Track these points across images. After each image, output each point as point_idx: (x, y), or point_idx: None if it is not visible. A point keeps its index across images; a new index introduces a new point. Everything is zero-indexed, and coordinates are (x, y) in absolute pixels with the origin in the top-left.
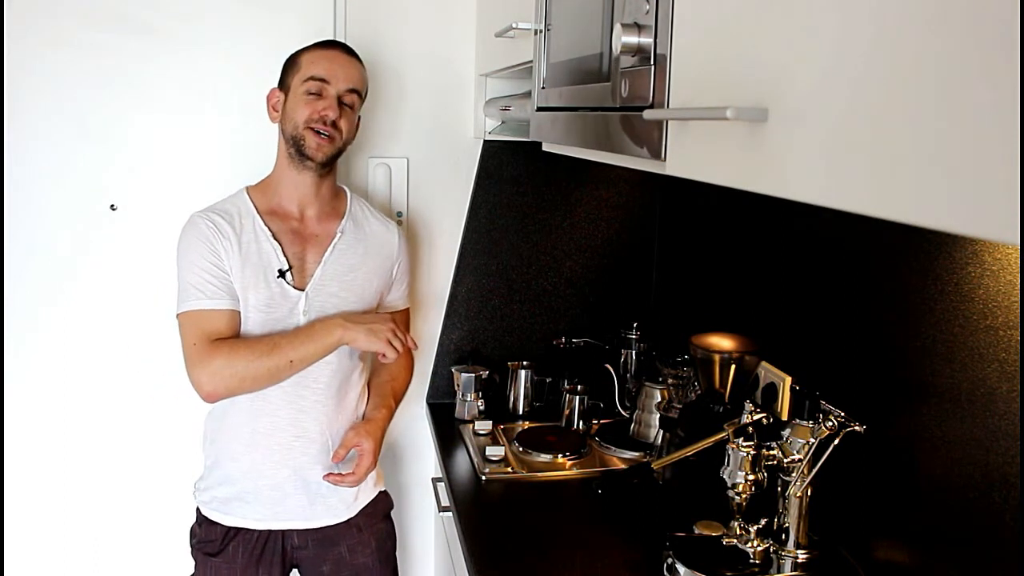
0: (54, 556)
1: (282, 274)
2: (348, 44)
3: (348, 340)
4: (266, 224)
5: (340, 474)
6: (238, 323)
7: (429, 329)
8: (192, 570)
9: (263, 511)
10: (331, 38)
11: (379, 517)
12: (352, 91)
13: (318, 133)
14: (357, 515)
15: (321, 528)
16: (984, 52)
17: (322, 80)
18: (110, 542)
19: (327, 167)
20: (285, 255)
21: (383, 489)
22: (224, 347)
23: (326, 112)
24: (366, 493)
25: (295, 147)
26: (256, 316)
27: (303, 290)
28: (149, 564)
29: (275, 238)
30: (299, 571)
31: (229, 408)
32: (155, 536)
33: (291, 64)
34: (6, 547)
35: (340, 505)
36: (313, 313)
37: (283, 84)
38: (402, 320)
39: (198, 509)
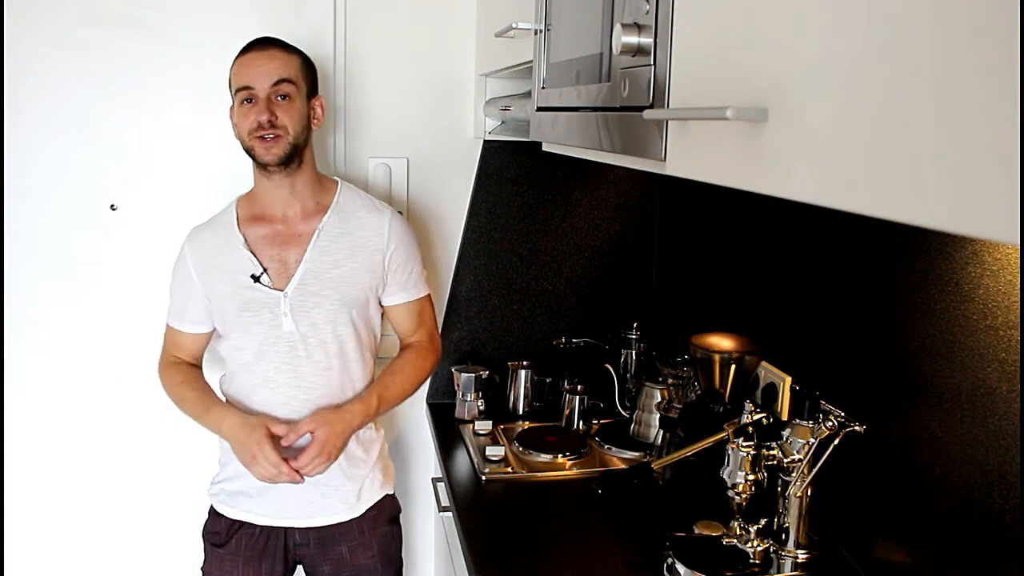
0: (54, 556)
1: (256, 278)
2: (272, 37)
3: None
4: (241, 232)
5: (286, 459)
6: (202, 344)
7: None
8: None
9: (265, 507)
10: (258, 37)
11: (383, 520)
12: (281, 82)
13: (262, 138)
14: (360, 517)
15: (322, 527)
16: (985, 50)
17: (247, 88)
18: (109, 542)
19: (290, 164)
20: (259, 259)
21: (390, 493)
22: (168, 373)
23: (259, 118)
24: (370, 495)
25: (250, 157)
26: (239, 321)
27: (283, 291)
28: (148, 564)
29: (248, 244)
30: (303, 568)
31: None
32: (154, 536)
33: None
34: (6, 547)
35: (341, 505)
36: (298, 314)
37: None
38: (417, 309)
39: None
